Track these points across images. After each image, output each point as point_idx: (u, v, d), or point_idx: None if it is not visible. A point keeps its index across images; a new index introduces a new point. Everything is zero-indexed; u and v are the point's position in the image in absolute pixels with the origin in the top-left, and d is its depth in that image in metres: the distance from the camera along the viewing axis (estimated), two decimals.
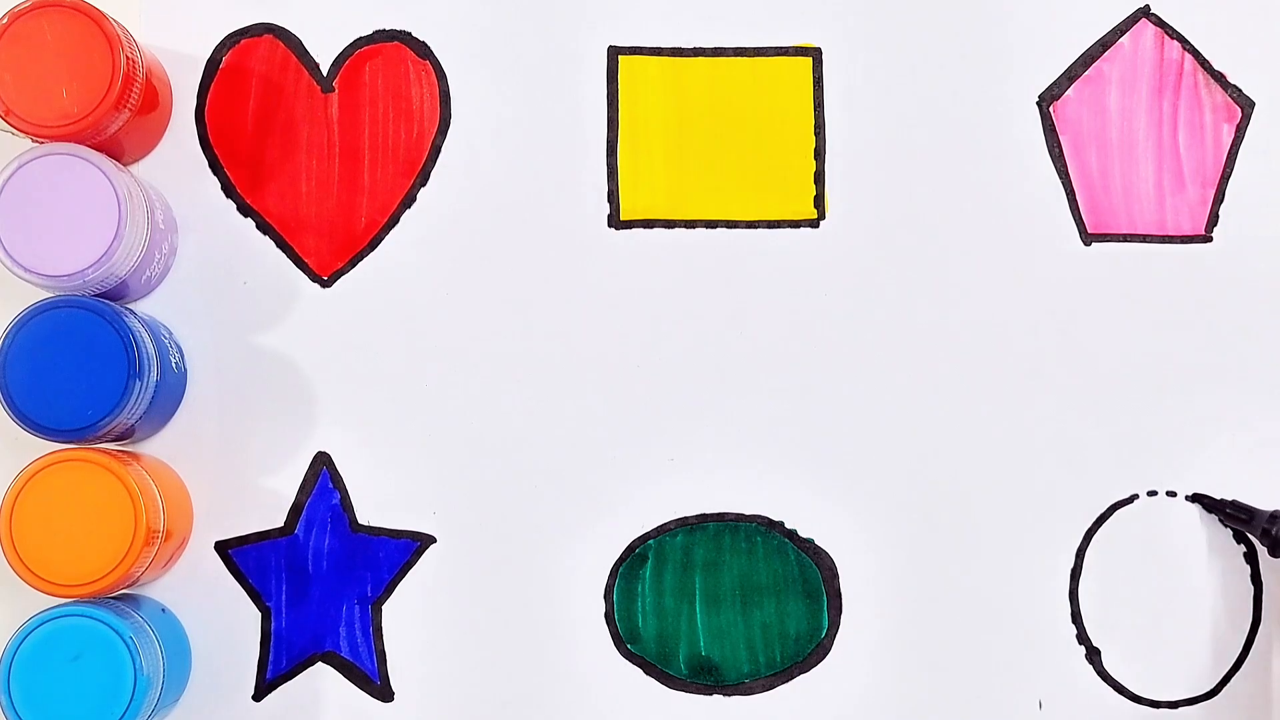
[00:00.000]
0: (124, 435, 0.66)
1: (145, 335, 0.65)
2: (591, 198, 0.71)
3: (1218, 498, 0.69)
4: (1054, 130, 0.71)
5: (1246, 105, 0.71)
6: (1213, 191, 0.71)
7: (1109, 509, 0.70)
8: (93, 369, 0.63)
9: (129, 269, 0.65)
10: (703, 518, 0.70)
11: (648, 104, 0.71)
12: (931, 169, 0.71)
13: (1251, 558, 0.70)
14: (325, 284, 0.70)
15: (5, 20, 0.64)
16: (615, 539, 0.70)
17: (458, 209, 0.70)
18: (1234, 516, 0.68)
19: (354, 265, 0.70)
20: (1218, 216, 0.71)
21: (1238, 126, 0.71)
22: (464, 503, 0.69)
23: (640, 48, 0.71)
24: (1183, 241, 0.71)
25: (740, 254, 0.70)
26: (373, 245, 0.70)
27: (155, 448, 0.69)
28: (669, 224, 0.71)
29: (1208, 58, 0.71)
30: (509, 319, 0.70)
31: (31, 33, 0.64)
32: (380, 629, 0.69)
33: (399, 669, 0.69)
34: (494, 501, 0.69)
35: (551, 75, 0.71)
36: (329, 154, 0.70)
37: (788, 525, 0.70)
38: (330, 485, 0.69)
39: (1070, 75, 0.71)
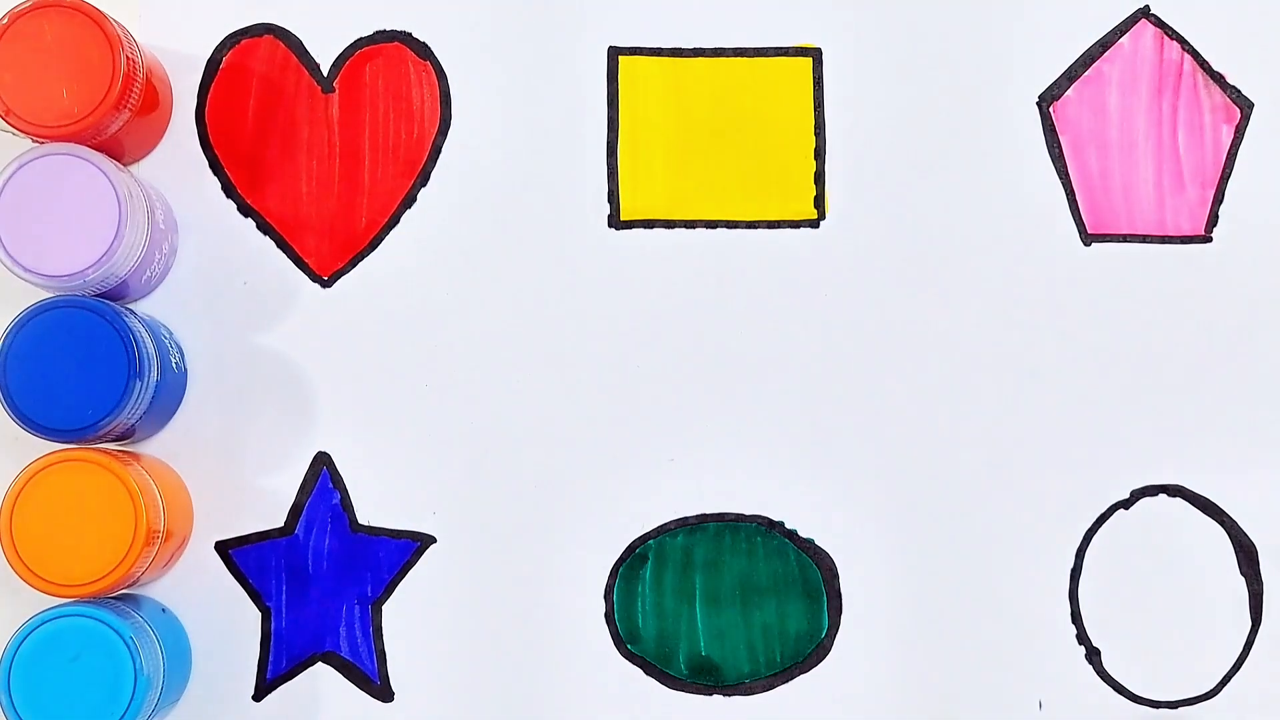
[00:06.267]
0: (124, 435, 0.66)
1: (145, 335, 0.65)
2: (591, 198, 0.71)
3: None
4: (1054, 130, 0.71)
5: (1246, 106, 0.71)
6: (1212, 192, 0.71)
7: (1109, 509, 0.70)
8: (93, 369, 0.63)
9: (129, 269, 0.65)
10: (703, 518, 0.70)
11: (648, 104, 0.71)
12: (932, 169, 0.71)
13: (1251, 557, 0.70)
14: (325, 284, 0.70)
15: (5, 20, 0.64)
16: (615, 539, 0.70)
17: (458, 209, 0.70)
18: None
19: (354, 265, 0.70)
20: (1217, 217, 0.71)
21: (1237, 127, 0.71)
22: (464, 503, 0.69)
23: (640, 48, 0.71)
24: (1182, 242, 0.71)
25: (740, 254, 0.70)
26: (373, 245, 0.70)
27: (155, 448, 0.69)
28: (669, 224, 0.71)
29: (1207, 58, 0.71)
30: (509, 319, 0.70)
31: (31, 33, 0.64)
32: (380, 629, 0.69)
33: (399, 669, 0.69)
34: (494, 501, 0.69)
35: (551, 75, 0.71)
36: (329, 154, 0.70)
37: (788, 525, 0.70)
38: (330, 485, 0.69)
39: (1070, 75, 0.71)
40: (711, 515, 0.70)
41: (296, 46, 0.71)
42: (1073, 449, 0.70)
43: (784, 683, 0.69)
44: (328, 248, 0.70)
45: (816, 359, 0.70)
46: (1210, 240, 0.71)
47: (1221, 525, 0.70)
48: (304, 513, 0.69)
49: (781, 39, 0.71)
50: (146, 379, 0.64)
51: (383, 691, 0.69)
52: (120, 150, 0.68)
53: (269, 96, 0.70)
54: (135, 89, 0.65)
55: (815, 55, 0.71)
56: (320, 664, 0.69)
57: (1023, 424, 0.70)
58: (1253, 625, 0.70)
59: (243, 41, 0.71)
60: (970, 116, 0.71)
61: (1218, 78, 0.71)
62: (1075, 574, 0.70)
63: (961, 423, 0.70)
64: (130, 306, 0.68)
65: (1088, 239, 0.71)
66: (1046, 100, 0.71)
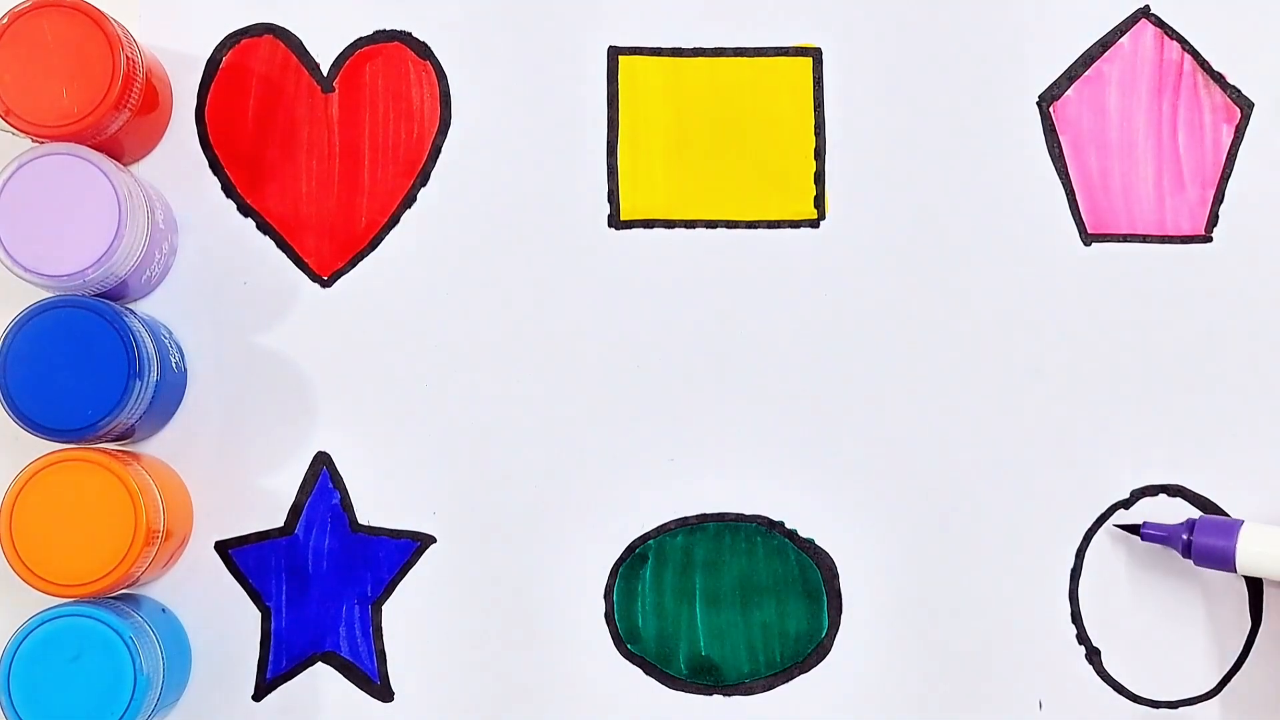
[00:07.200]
0: (124, 435, 0.66)
1: (145, 335, 0.65)
2: (591, 198, 0.71)
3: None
4: (1054, 130, 0.71)
5: (1246, 105, 0.71)
6: (1212, 192, 0.71)
7: (1109, 509, 0.70)
8: (93, 369, 0.63)
9: (129, 269, 0.65)
10: (703, 518, 0.70)
11: (648, 104, 0.71)
12: (931, 169, 0.71)
13: None
14: (325, 284, 0.70)
15: (5, 20, 0.64)
16: (615, 539, 0.70)
17: (458, 209, 0.70)
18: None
19: (354, 265, 0.70)
20: (1217, 216, 0.71)
21: (1237, 127, 0.71)
22: (464, 503, 0.69)
23: (640, 48, 0.71)
24: (1182, 241, 0.71)
25: (740, 254, 0.70)
26: (373, 245, 0.70)
27: (155, 448, 0.69)
28: (669, 224, 0.71)
29: (1207, 58, 0.71)
30: (509, 319, 0.70)
31: (31, 33, 0.64)
32: (380, 629, 0.69)
33: (399, 669, 0.69)
34: (494, 501, 0.69)
35: (551, 75, 0.71)
36: (329, 154, 0.70)
37: (788, 525, 0.70)
38: (330, 485, 0.69)
39: (1070, 75, 0.71)
40: (711, 515, 0.70)
41: (296, 46, 0.71)
42: (1073, 449, 0.70)
43: (784, 683, 0.69)
44: (328, 248, 0.70)
45: (816, 359, 0.70)
46: (1210, 240, 0.71)
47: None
48: (304, 513, 0.69)
49: (781, 39, 0.71)
50: (146, 379, 0.64)
51: (383, 691, 0.69)
52: (120, 150, 0.68)
53: (269, 96, 0.70)
54: (135, 89, 0.65)
55: (815, 55, 0.71)
56: (320, 664, 0.69)
57: (1023, 424, 0.70)
58: (1253, 625, 0.70)
59: (243, 41, 0.71)
60: (970, 116, 0.71)
61: (1218, 78, 0.71)
62: (1075, 574, 0.70)
63: (961, 422, 0.70)
64: (130, 306, 0.68)
65: (1088, 239, 0.71)
66: (1046, 100, 0.71)
